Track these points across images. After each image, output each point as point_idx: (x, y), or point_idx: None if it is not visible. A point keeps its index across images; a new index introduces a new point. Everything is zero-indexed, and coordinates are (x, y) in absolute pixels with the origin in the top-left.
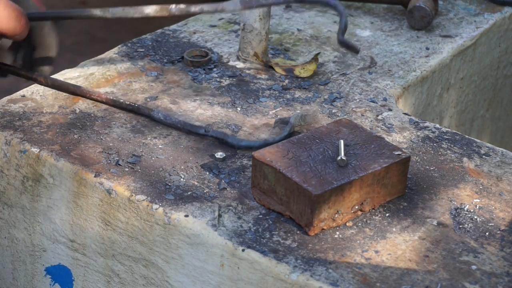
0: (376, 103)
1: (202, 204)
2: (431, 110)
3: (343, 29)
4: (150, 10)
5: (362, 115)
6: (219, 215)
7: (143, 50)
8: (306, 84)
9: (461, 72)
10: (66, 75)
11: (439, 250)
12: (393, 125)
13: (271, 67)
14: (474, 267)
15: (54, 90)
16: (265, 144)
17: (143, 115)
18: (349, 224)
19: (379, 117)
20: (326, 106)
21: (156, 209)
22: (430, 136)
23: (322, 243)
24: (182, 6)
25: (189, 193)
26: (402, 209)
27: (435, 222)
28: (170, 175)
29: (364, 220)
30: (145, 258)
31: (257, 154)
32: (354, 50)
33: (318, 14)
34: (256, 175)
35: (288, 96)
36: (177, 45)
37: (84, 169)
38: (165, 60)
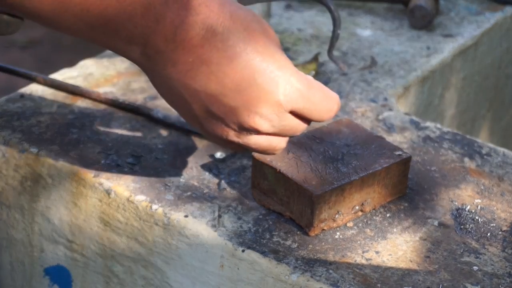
0: (377, 103)
1: (202, 204)
2: (432, 110)
3: (333, 43)
4: None
5: (363, 115)
6: (219, 216)
7: None
8: None
9: (462, 71)
10: (65, 75)
11: (440, 251)
12: (393, 125)
13: None
14: (475, 268)
15: (53, 90)
16: None
17: (143, 115)
18: (350, 224)
19: (380, 117)
20: None
21: (156, 209)
22: (431, 136)
23: (323, 243)
24: None
25: (188, 193)
26: (403, 209)
27: (436, 223)
28: (169, 175)
29: (365, 220)
30: (145, 258)
31: (257, 154)
32: (341, 68)
33: (318, 13)
34: (256, 176)
35: None
36: None
37: (83, 169)
38: None
